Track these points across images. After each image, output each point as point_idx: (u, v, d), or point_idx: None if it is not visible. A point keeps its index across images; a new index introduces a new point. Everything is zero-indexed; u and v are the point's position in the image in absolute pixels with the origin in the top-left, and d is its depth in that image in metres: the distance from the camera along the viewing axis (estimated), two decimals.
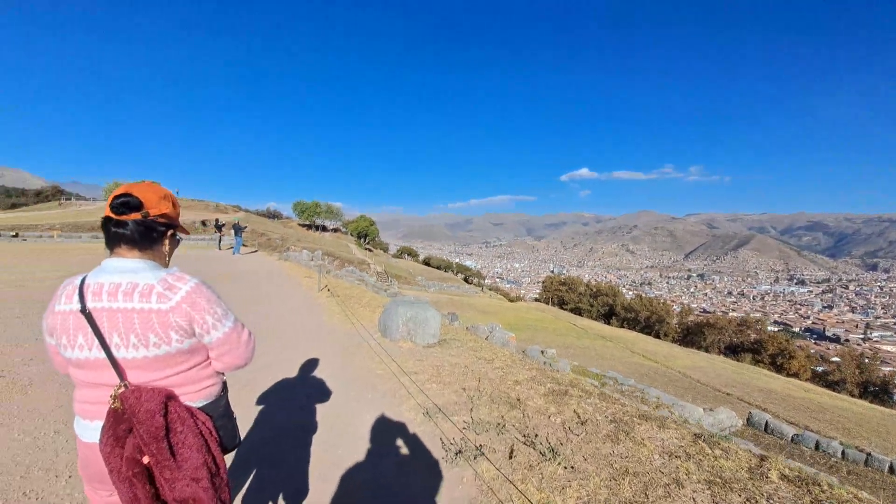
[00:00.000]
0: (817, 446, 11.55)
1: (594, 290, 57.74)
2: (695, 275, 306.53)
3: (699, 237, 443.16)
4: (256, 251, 27.49)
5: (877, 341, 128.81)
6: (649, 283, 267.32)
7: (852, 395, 29.76)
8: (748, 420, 13.02)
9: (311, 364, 5.26)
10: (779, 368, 34.46)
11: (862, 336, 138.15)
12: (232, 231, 23.34)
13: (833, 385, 32.20)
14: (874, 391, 31.33)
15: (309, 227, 73.12)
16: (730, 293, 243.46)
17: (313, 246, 46.19)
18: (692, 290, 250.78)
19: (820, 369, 35.48)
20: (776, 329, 63.91)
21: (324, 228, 76.27)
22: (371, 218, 78.46)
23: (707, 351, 39.74)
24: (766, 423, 12.83)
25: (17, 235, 26.87)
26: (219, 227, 23.88)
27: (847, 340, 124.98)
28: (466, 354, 5.63)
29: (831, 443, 11.45)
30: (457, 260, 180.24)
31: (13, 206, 67.08)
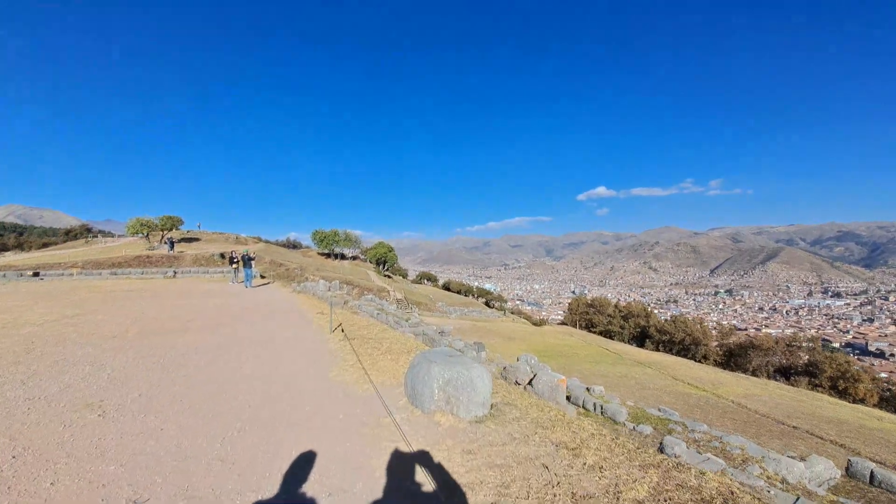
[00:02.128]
0: None
1: (624, 311, 55.01)
2: (722, 291, 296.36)
3: (724, 252, 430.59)
4: (270, 282, 26.48)
5: None
6: (675, 301, 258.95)
7: None
8: (847, 469, 10.91)
9: (302, 466, 3.70)
10: (841, 393, 31.36)
11: None
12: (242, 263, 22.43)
13: None
14: None
15: (328, 255, 72.69)
16: (761, 308, 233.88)
17: (331, 275, 45.26)
18: (720, 306, 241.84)
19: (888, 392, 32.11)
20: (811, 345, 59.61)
21: (343, 256, 75.71)
22: (389, 244, 77.63)
23: (755, 375, 36.75)
24: (872, 473, 10.69)
25: (37, 274, 26.88)
26: (232, 260, 22.95)
27: (892, 355, 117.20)
28: (535, 438, 3.91)
29: None
30: (476, 283, 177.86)
31: (44, 246, 68.68)
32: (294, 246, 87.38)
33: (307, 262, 56.67)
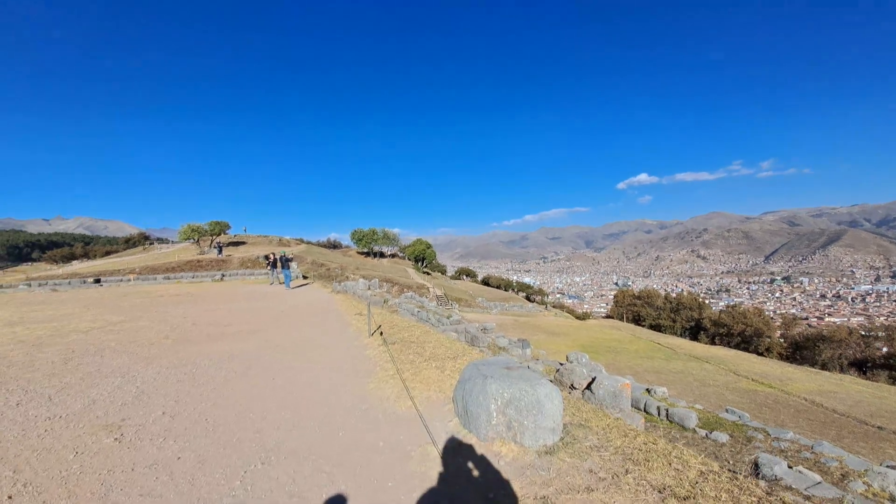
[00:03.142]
0: None
1: (675, 303, 52.11)
2: (779, 278, 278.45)
3: (779, 237, 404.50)
4: (309, 282, 26.51)
5: None
6: (727, 290, 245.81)
7: None
8: None
9: None
10: None
11: None
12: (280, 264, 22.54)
13: None
14: None
15: (367, 254, 73.38)
16: (823, 296, 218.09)
17: (371, 273, 45.38)
18: (777, 294, 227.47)
19: None
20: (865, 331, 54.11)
21: (381, 255, 76.24)
22: (427, 241, 77.44)
23: (825, 368, 33.69)
24: None
25: (98, 281, 28.34)
26: (271, 262, 23.09)
27: None
28: (628, 479, 3.01)
29: None
30: (515, 277, 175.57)
31: (107, 254, 73.32)
32: (335, 246, 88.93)
33: (347, 262, 57.31)
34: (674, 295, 58.57)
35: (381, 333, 8.61)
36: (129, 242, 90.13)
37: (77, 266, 40.92)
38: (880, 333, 35.34)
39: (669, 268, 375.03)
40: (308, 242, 78.44)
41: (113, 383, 6.14)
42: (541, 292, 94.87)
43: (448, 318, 25.11)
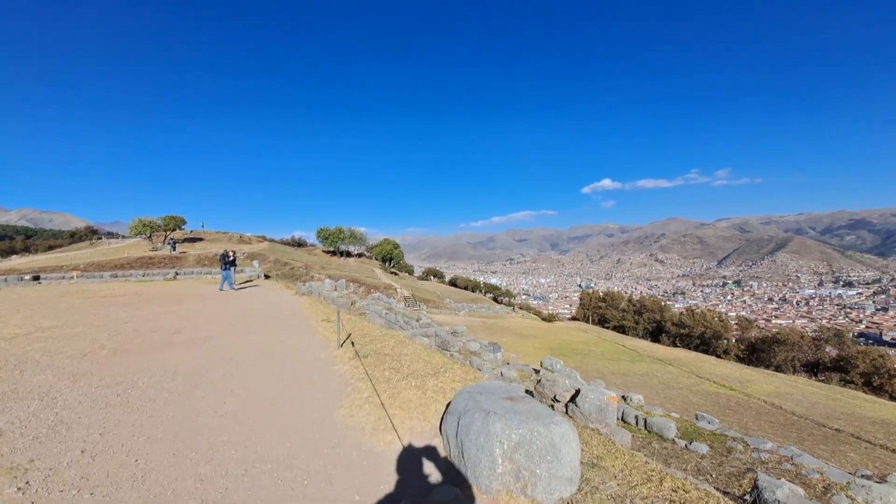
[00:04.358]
0: None
1: (638, 305, 53.31)
2: (730, 282, 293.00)
3: (731, 242, 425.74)
4: (256, 283, 25.01)
5: None
6: (682, 293, 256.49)
7: None
8: None
9: None
10: (876, 390, 29.65)
11: None
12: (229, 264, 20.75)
13: None
14: None
15: (333, 253, 71.52)
16: (770, 299, 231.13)
17: (337, 273, 43.94)
18: (728, 297, 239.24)
19: None
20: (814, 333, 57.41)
21: (348, 254, 74.47)
22: (395, 241, 76.28)
23: (779, 370, 35.11)
24: None
25: (37, 278, 26.06)
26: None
27: None
28: None
29: None
30: (482, 278, 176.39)
31: (50, 249, 67.99)
32: (299, 244, 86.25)
33: (312, 261, 55.46)
34: (636, 297, 59.97)
35: (353, 344, 7.77)
36: (75, 237, 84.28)
37: (16, 261, 37.46)
38: (831, 337, 37.17)
39: (629, 271, 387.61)
40: (271, 240, 75.64)
41: (28, 408, 5.09)
42: (508, 294, 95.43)
43: (417, 320, 24.34)
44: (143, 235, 50.16)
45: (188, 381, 6.08)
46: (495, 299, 78.03)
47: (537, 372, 16.49)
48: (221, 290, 19.18)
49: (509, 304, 72.98)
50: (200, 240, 58.50)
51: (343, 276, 39.27)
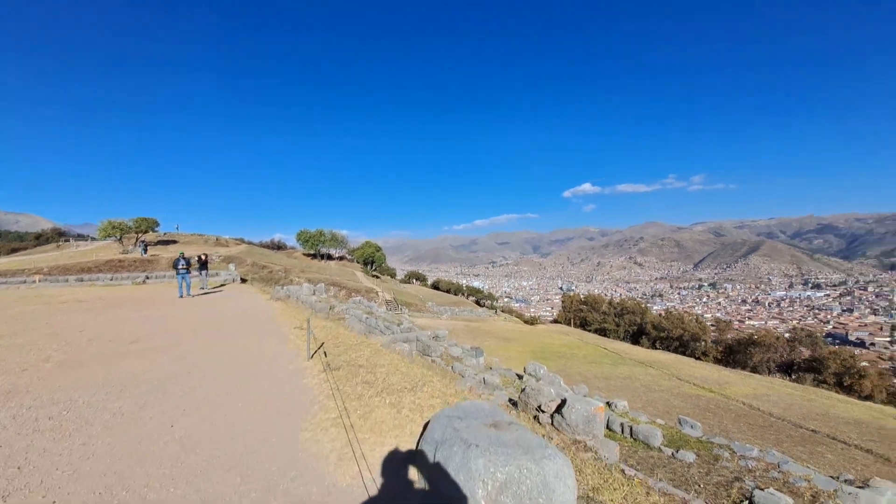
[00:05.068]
0: None
1: (619, 307, 53.73)
2: (706, 284, 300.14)
3: (707, 246, 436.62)
4: (225, 286, 24.12)
5: None
6: (660, 295, 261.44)
7: None
8: None
9: None
10: (847, 389, 30.33)
11: (888, 339, 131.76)
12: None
13: None
14: None
15: (314, 256, 70.28)
16: (744, 301, 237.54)
17: (317, 276, 42.98)
18: (704, 299, 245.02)
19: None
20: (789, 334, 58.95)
21: (329, 257, 73.27)
22: (377, 244, 75.38)
23: (755, 371, 35.67)
24: None
25: None
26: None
27: (873, 344, 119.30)
28: None
29: None
30: (465, 282, 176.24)
31: (13, 251, 64.84)
32: (279, 247, 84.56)
33: (292, 264, 54.27)
34: (616, 299, 60.51)
35: (325, 354, 7.22)
36: (41, 238, 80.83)
37: None
38: (804, 338, 37.97)
39: (609, 273, 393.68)
40: (249, 243, 73.85)
41: None
42: (490, 297, 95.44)
43: (398, 325, 23.78)
44: (114, 238, 48.27)
45: (136, 399, 5.44)
46: (478, 302, 77.84)
47: (520, 377, 16.13)
48: (181, 296, 17.66)
49: (492, 307, 72.90)
50: (174, 242, 56.70)
51: (323, 280, 38.39)
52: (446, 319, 47.87)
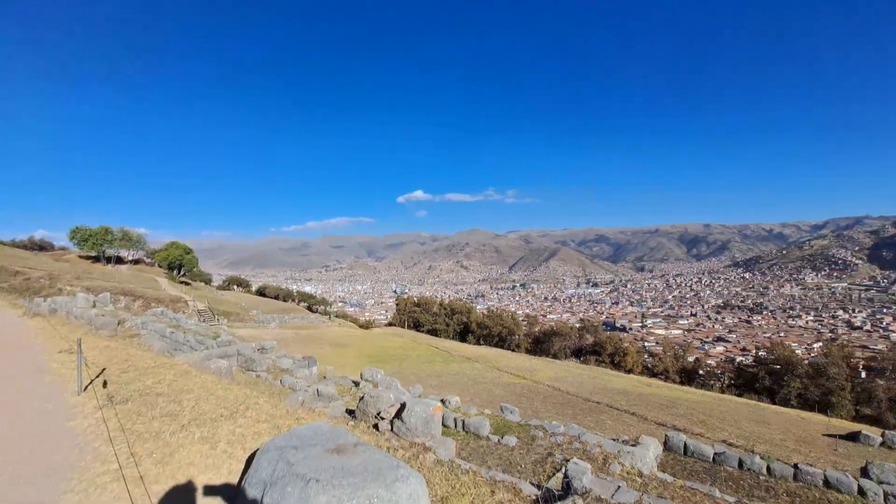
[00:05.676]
0: (741, 464, 10.98)
1: (449, 308, 57.39)
2: (518, 285, 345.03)
3: (519, 251, 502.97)
4: None
5: (651, 327, 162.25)
6: (483, 296, 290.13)
7: (675, 382, 34.14)
8: (666, 444, 12.12)
9: None
10: (617, 366, 37.90)
11: (640, 324, 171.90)
12: None
13: (658, 375, 36.61)
14: (688, 375, 36.60)
15: (97, 259, 56.82)
16: (546, 298, 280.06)
17: (101, 284, 34.64)
18: (517, 298, 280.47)
19: (648, 361, 40.25)
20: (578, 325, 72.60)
21: (119, 260, 60.17)
22: (186, 245, 64.99)
23: (556, 358, 42.09)
24: (685, 445, 12.10)
25: None
26: None
27: (630, 329, 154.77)
28: None
29: (754, 459, 10.94)
30: (295, 287, 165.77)
31: None
32: (41, 248, 66.02)
33: (61, 269, 42.80)
34: (446, 301, 64.56)
35: (105, 383, 5.51)
36: None
37: None
38: (590, 327, 46.34)
39: (439, 276, 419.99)
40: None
41: None
42: (324, 302, 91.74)
43: (215, 338, 20.68)
44: None
45: None
46: (310, 308, 73.89)
47: (357, 385, 15.59)
48: None
49: (325, 313, 70.03)
50: None
51: (109, 289, 31.10)
52: (274, 329, 44.03)
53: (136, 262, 63.37)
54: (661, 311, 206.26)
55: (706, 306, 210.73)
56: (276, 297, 76.84)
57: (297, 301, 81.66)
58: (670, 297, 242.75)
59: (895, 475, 9.68)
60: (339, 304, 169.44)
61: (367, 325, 61.37)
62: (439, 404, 7.79)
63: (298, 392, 11.29)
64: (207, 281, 77.89)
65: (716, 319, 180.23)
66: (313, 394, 11.87)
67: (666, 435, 12.54)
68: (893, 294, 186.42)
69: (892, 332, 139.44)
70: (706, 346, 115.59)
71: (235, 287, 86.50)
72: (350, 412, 9.51)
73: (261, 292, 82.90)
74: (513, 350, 46.31)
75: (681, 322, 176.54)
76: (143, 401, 4.81)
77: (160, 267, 60.86)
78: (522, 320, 55.02)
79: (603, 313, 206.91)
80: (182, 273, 61.91)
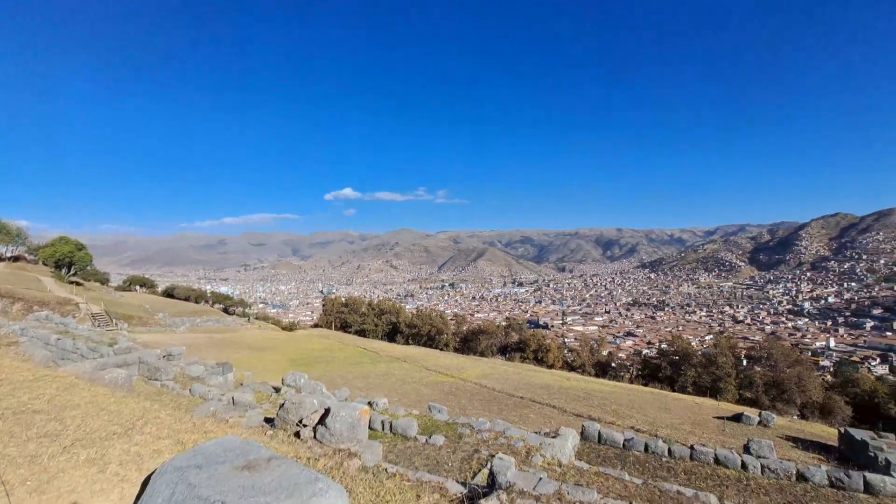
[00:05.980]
0: (646, 448, 11.96)
1: (377, 308, 56.53)
2: (447, 284, 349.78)
3: (448, 251, 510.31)
4: None
5: (571, 324, 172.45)
6: (412, 295, 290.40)
7: (591, 375, 36.51)
8: (582, 433, 12.86)
9: None
10: (540, 362, 39.67)
11: (561, 322, 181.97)
12: None
13: (576, 369, 38.89)
14: (602, 368, 39.31)
15: None
16: (474, 297, 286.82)
17: None
18: (446, 297, 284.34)
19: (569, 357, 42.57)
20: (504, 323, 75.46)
21: None
22: (78, 241, 57.56)
23: (483, 355, 43.14)
24: (599, 433, 12.92)
25: None
26: None
27: (553, 326, 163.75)
28: None
29: (657, 443, 11.94)
30: (209, 287, 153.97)
31: None
32: None
33: None
34: (375, 301, 63.59)
35: None
36: None
37: None
38: (514, 325, 48.02)
39: (368, 276, 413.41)
40: None
41: None
42: (242, 303, 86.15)
43: (111, 345, 18.56)
44: None
45: None
46: (226, 310, 68.94)
47: (278, 391, 14.73)
48: None
49: (244, 315, 65.73)
50: None
51: None
52: (184, 333, 40.51)
53: (15, 258, 54.97)
54: (580, 309, 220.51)
55: (618, 304, 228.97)
56: (187, 299, 70.66)
57: (211, 303, 75.87)
58: (588, 295, 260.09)
59: (769, 449, 11.07)
60: (260, 306, 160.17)
61: (291, 327, 58.60)
62: (366, 407, 7.56)
63: (210, 402, 10.41)
64: (104, 281, 69.80)
65: (626, 316, 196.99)
66: (227, 403, 11.01)
67: (583, 425, 13.31)
68: (767, 292, 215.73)
69: (766, 325, 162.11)
70: (618, 341, 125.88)
71: (138, 287, 78.37)
72: (269, 421, 8.94)
73: (169, 293, 75.78)
74: (441, 349, 46.72)
75: (597, 319, 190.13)
76: (17, 420, 4.10)
77: (45, 265, 53.27)
78: (451, 319, 55.68)
79: (528, 312, 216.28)
80: (72, 272, 54.83)
